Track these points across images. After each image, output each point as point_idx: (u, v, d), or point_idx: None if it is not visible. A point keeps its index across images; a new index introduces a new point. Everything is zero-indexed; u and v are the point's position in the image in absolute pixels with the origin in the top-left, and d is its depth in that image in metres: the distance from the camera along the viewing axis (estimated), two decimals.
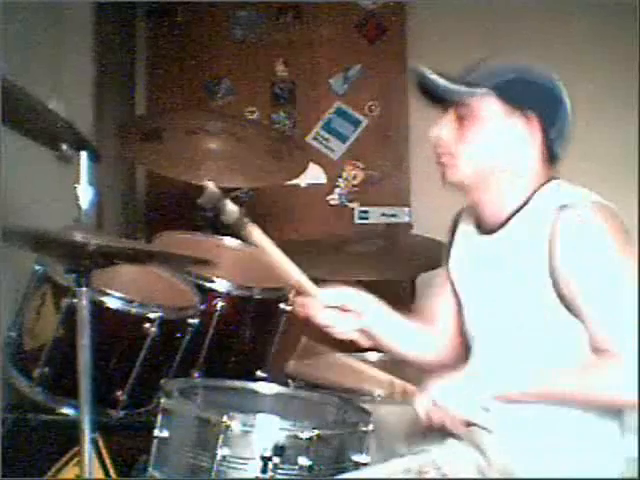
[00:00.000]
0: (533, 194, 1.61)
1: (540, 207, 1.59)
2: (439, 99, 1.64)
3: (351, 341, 1.80)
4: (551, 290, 1.53)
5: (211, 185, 1.67)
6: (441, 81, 1.61)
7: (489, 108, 1.60)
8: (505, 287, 1.61)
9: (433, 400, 1.52)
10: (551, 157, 1.64)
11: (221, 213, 1.68)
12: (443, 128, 1.63)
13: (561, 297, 1.52)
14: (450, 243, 1.81)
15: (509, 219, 1.62)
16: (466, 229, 1.76)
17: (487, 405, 1.50)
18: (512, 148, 1.61)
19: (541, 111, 1.60)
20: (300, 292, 1.79)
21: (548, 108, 1.61)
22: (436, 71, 1.62)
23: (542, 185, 1.62)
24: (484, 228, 1.68)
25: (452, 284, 1.79)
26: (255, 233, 1.73)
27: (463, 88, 1.60)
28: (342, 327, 1.77)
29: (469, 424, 1.51)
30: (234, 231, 1.73)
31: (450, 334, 1.81)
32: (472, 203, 1.69)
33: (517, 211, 1.62)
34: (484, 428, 1.52)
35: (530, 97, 1.61)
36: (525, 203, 1.61)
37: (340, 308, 1.77)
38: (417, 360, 1.86)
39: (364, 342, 1.81)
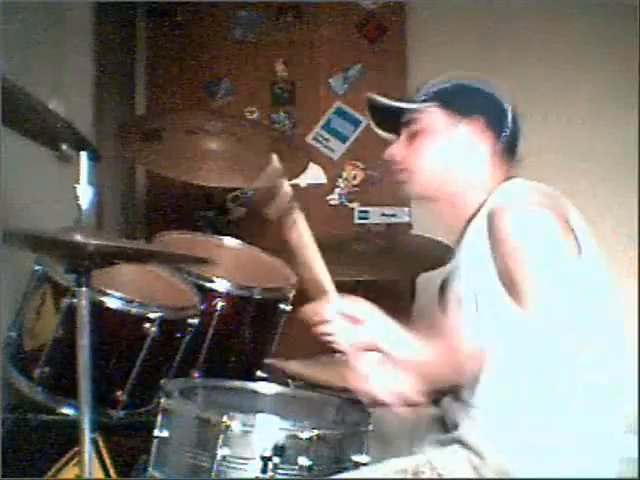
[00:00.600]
0: (486, 200, 1.64)
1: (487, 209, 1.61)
2: (392, 124, 1.73)
3: None
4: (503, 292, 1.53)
5: (275, 159, 1.67)
6: (390, 102, 1.73)
7: (436, 120, 1.69)
8: (464, 296, 1.62)
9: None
10: (507, 156, 1.69)
11: (274, 192, 1.66)
12: (395, 148, 1.73)
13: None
14: None
15: (464, 231, 1.67)
16: None
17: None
18: (463, 154, 1.67)
19: (486, 114, 1.67)
20: (313, 295, 1.74)
21: (492, 110, 1.68)
22: (388, 97, 1.74)
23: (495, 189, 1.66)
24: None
25: None
26: (300, 220, 1.72)
27: (409, 104, 1.71)
28: (347, 339, 1.69)
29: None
30: (281, 214, 1.69)
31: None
32: (438, 214, 1.75)
33: (471, 219, 1.66)
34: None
35: (472, 103, 1.69)
36: (478, 210, 1.65)
37: (351, 319, 1.73)
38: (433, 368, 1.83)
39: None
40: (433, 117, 1.69)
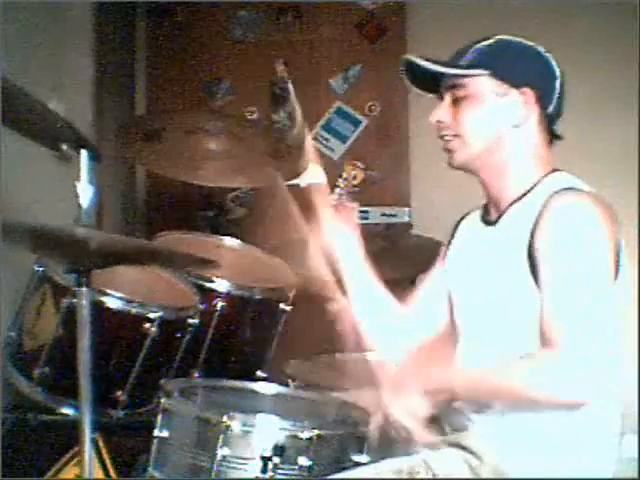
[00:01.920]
0: (537, 184, 1.60)
1: (536, 195, 1.58)
2: (433, 86, 1.65)
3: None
4: (530, 274, 1.50)
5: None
6: (433, 66, 1.63)
7: (484, 87, 1.60)
8: (493, 275, 1.60)
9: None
10: (551, 136, 1.64)
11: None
12: (442, 112, 1.64)
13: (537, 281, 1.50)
14: (449, 242, 1.81)
15: (509, 207, 1.62)
16: (470, 222, 1.76)
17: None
18: (512, 125, 1.60)
19: (536, 85, 1.60)
20: None
21: (542, 82, 1.61)
22: (426, 58, 1.65)
23: (546, 175, 1.61)
24: (488, 218, 1.68)
25: (445, 279, 1.78)
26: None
27: (456, 70, 1.62)
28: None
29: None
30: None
31: (426, 324, 1.81)
32: (481, 184, 1.68)
33: (517, 200, 1.61)
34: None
35: (523, 73, 1.61)
36: (527, 192, 1.60)
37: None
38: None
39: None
40: (481, 84, 1.60)
